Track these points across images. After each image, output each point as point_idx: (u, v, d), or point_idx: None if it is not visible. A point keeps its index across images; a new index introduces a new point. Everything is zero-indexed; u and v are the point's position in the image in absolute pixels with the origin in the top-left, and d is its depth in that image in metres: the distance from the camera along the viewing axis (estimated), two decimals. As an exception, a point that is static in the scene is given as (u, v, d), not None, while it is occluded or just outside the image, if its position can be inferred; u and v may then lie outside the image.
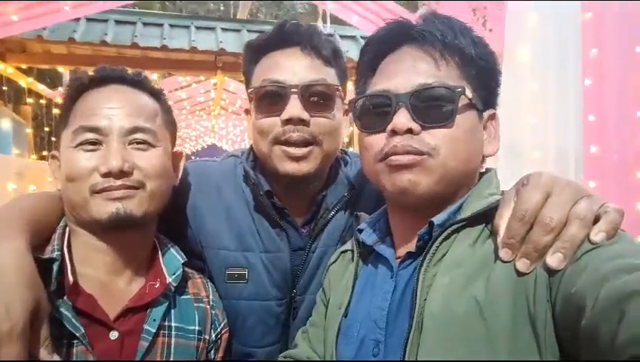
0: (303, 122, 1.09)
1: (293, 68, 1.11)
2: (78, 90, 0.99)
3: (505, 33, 2.97)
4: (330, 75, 1.15)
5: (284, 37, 1.14)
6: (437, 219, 0.81)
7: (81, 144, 0.93)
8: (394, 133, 0.81)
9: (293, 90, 1.09)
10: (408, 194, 0.81)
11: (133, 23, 5.11)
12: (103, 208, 0.91)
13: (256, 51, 1.18)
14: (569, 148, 2.72)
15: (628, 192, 2.48)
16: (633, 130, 2.52)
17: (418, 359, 0.72)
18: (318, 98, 1.11)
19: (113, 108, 0.95)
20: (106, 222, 0.91)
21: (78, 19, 4.59)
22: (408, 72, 0.83)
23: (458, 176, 0.83)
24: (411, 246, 0.84)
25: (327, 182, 1.23)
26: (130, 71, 1.04)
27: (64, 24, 4.32)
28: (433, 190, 0.81)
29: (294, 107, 1.08)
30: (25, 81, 5.13)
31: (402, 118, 0.80)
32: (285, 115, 1.08)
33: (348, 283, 0.94)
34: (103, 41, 4.61)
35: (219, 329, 1.10)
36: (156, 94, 1.05)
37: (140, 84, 1.03)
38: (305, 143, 1.10)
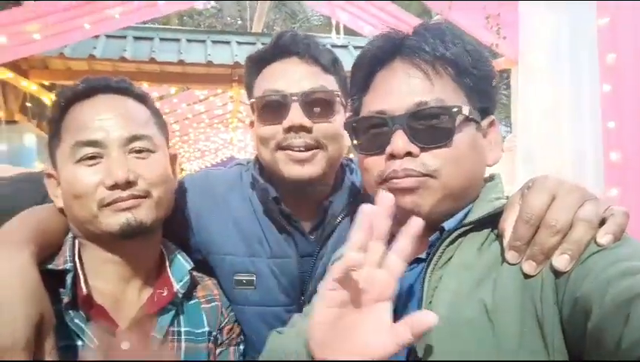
0: (304, 129, 1.11)
1: (292, 76, 1.13)
2: (64, 105, 0.98)
3: (519, 40, 2.95)
4: (329, 82, 1.17)
5: (282, 47, 1.16)
6: (447, 225, 0.81)
7: (81, 160, 0.93)
8: (393, 156, 0.80)
9: (293, 98, 1.11)
10: (412, 215, 0.80)
11: (151, 39, 5.23)
12: (113, 220, 0.91)
13: (257, 63, 1.21)
14: (587, 154, 2.67)
15: (650, 199, 2.43)
16: (653, 136, 2.47)
17: (423, 361, 0.72)
18: (318, 104, 1.13)
19: (106, 119, 0.95)
20: (118, 233, 0.92)
21: (97, 37, 4.72)
22: (402, 90, 0.82)
23: (461, 192, 0.82)
24: (420, 251, 0.84)
25: (334, 189, 1.24)
26: (114, 78, 1.03)
27: (84, 41, 4.44)
28: (437, 209, 0.81)
29: (295, 115, 1.10)
30: (48, 97, 5.27)
31: (400, 142, 0.79)
32: (287, 123, 1.11)
33: None
34: (122, 57, 4.72)
35: (224, 323, 1.11)
36: (143, 98, 1.05)
37: (126, 90, 1.02)
38: (308, 148, 1.12)
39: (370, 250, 0.68)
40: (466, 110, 0.81)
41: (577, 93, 2.69)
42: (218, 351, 1.08)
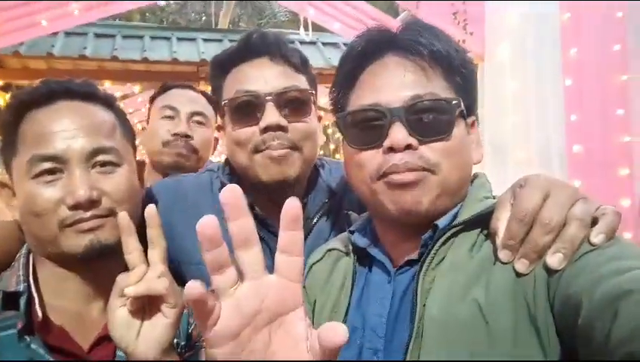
0: (281, 129, 1.09)
1: (264, 77, 1.11)
2: (21, 110, 0.90)
3: (485, 35, 3.00)
4: (301, 82, 1.16)
5: (252, 48, 1.14)
6: (441, 223, 0.79)
7: (38, 175, 0.85)
8: (391, 149, 0.78)
9: (267, 97, 1.08)
10: (412, 214, 0.79)
11: (113, 36, 5.06)
12: (76, 241, 0.85)
13: (224, 65, 1.17)
14: (551, 147, 2.75)
15: (612, 190, 2.51)
16: (615, 128, 2.56)
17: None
18: (293, 104, 1.11)
19: (68, 131, 0.87)
20: (80, 256, 0.86)
21: (56, 34, 4.53)
22: (397, 83, 0.80)
23: (456, 188, 0.82)
24: (409, 252, 0.83)
25: (308, 189, 1.23)
26: (77, 81, 0.95)
27: (42, 39, 4.25)
28: (435, 207, 0.80)
29: (271, 115, 1.08)
30: (2, 98, 5.03)
31: (399, 134, 0.77)
32: (263, 123, 1.08)
33: (346, 285, 0.90)
34: (83, 55, 4.55)
35: (192, 329, 1.05)
36: (109, 103, 0.98)
37: (90, 95, 0.94)
38: (284, 148, 1.10)
39: (239, 262, 0.54)
40: (462, 105, 0.81)
41: (542, 87, 2.75)
42: (187, 355, 1.02)
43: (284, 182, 1.11)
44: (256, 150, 1.10)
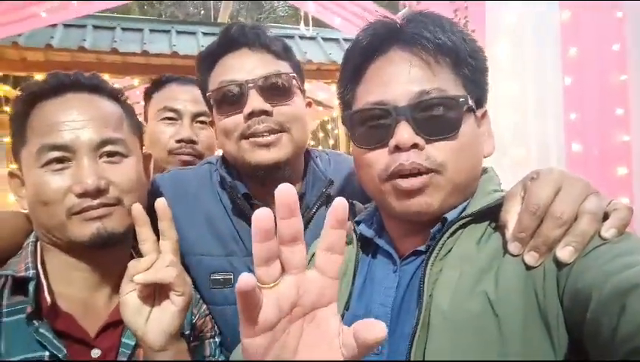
0: (265, 113, 1.11)
1: (245, 66, 1.14)
2: (30, 101, 0.92)
3: (485, 32, 2.99)
4: (284, 67, 1.18)
5: (231, 40, 1.17)
6: (450, 216, 0.79)
7: (47, 163, 0.87)
8: (398, 148, 0.77)
9: (250, 84, 1.11)
10: (421, 216, 0.79)
11: (112, 29, 5.04)
12: (83, 230, 0.87)
13: (208, 60, 1.20)
14: (550, 145, 2.75)
15: (610, 189, 2.52)
16: (613, 128, 2.57)
17: (425, 356, 0.70)
18: (276, 89, 1.13)
19: (77, 121, 0.89)
20: (87, 243, 0.87)
21: (55, 26, 4.50)
22: (401, 79, 0.79)
23: (465, 185, 0.81)
24: (416, 244, 0.82)
25: (304, 180, 1.24)
26: (85, 74, 0.97)
27: (41, 30, 4.23)
28: (445, 205, 0.79)
29: (254, 100, 1.10)
30: (1, 90, 5.01)
31: (405, 133, 0.76)
32: (247, 110, 1.10)
33: (348, 273, 0.90)
34: (82, 47, 4.52)
35: (195, 319, 1.08)
36: (116, 96, 1.00)
37: (98, 88, 0.96)
38: (272, 132, 1.11)
39: (283, 257, 0.54)
40: (470, 100, 0.79)
41: (541, 85, 2.75)
42: (192, 345, 1.04)
43: (275, 165, 1.13)
44: (243, 136, 1.12)
